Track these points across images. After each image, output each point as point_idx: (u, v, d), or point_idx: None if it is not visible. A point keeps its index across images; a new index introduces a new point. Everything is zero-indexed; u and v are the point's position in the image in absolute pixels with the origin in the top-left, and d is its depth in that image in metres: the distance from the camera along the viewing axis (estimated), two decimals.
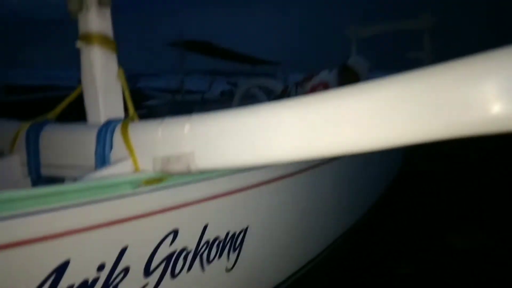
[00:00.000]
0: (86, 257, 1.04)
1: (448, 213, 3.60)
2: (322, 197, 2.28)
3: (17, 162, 1.39)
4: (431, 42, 4.94)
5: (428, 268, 2.67)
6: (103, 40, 1.36)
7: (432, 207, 3.77)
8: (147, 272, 1.20)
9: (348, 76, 3.44)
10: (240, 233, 1.55)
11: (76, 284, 1.00)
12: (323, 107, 0.95)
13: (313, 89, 3.27)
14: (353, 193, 2.78)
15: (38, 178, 1.37)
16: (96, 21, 1.34)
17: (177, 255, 1.29)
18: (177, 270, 1.30)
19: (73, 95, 1.47)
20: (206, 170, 1.10)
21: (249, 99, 6.07)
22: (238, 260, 1.55)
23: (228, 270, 1.53)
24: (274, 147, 0.99)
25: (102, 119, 1.34)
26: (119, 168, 1.14)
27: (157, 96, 10.23)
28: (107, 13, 1.37)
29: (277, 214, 1.84)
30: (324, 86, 3.27)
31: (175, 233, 1.27)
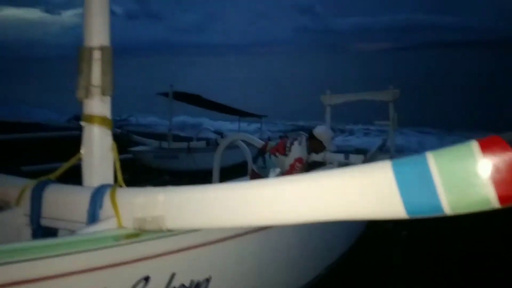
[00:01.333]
0: None
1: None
2: (279, 254, 2.58)
3: (21, 213, 1.70)
4: (395, 111, 5.49)
5: None
6: (102, 121, 1.73)
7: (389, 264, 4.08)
8: None
9: (315, 144, 3.98)
10: (203, 282, 1.84)
11: None
12: (261, 192, 1.32)
13: (292, 166, 3.83)
14: (311, 251, 3.07)
15: (38, 227, 1.67)
16: (98, 106, 1.73)
17: None
18: None
19: (73, 160, 1.81)
20: (173, 230, 1.44)
21: (232, 149, 6.48)
22: None
23: None
24: (224, 216, 1.35)
25: (95, 183, 1.68)
26: (106, 225, 1.46)
27: (144, 142, 10.55)
28: (108, 99, 1.76)
29: (238, 266, 2.14)
30: (299, 161, 3.85)
31: (146, 279, 1.57)
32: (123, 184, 1.62)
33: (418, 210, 1.03)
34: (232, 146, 6.42)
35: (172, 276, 1.67)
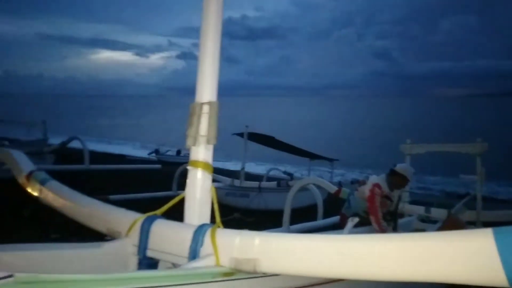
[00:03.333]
0: None
1: None
2: None
3: (130, 243, 1.94)
4: (482, 166, 5.18)
5: None
6: (205, 166, 1.95)
7: None
8: None
9: (397, 179, 4.18)
10: None
11: None
12: (356, 246, 1.40)
13: (371, 191, 4.02)
14: None
15: (143, 257, 1.89)
16: (203, 153, 1.96)
17: None
18: None
19: (176, 199, 2.04)
20: (266, 272, 1.56)
21: (304, 191, 6.54)
22: None
23: None
24: (316, 265, 1.44)
25: (195, 221, 1.87)
26: (205, 262, 1.63)
27: (217, 179, 11.01)
28: (211, 147, 1.98)
29: None
30: (377, 187, 4.05)
31: None
32: (221, 225, 1.79)
33: None
34: (303, 189, 6.49)
35: None
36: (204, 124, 1.95)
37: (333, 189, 6.23)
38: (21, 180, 2.65)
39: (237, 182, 10.83)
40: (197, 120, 1.94)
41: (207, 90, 1.98)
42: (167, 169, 11.20)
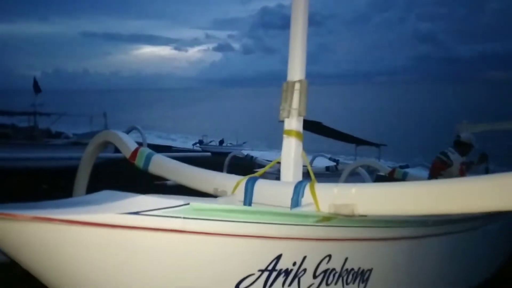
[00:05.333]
0: (289, 254, 1.86)
1: None
2: (434, 263, 2.85)
3: (236, 199, 2.35)
4: None
5: None
6: (297, 134, 2.32)
7: None
8: (314, 276, 1.98)
9: (465, 148, 4.93)
10: (367, 271, 2.25)
11: (285, 269, 1.82)
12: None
13: (461, 171, 4.75)
14: (464, 265, 3.25)
15: None
16: (295, 124, 2.32)
17: (330, 271, 2.04)
18: (329, 281, 2.04)
19: (273, 162, 2.42)
20: (362, 215, 1.90)
21: (354, 176, 6.77)
22: None
23: None
24: (405, 205, 1.77)
25: (292, 179, 2.24)
26: (307, 209, 1.99)
27: (266, 165, 11.44)
28: (301, 119, 2.34)
29: (397, 266, 2.48)
30: (464, 164, 4.88)
31: (329, 257, 2.05)
32: (315, 181, 2.14)
33: None
34: (353, 174, 6.69)
35: (346, 260, 2.12)
36: (295, 99, 2.31)
37: (387, 170, 6.41)
38: (129, 156, 3.12)
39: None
40: (290, 96, 2.30)
41: (297, 70, 2.33)
42: (212, 158, 11.72)
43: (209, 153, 13.18)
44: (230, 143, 28.95)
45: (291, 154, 2.32)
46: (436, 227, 2.82)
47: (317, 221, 1.95)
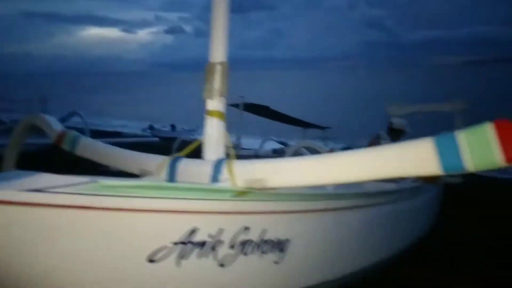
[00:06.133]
0: (204, 227, 1.96)
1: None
2: (353, 233, 3.08)
3: (160, 179, 2.40)
4: (463, 125, 5.69)
5: None
6: (219, 114, 2.40)
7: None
8: (232, 247, 2.10)
9: (397, 133, 5.17)
10: (285, 241, 2.41)
11: (201, 241, 1.92)
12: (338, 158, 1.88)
13: (373, 143, 4.95)
14: (382, 235, 3.52)
15: None
16: (217, 104, 2.40)
17: (247, 242, 2.17)
18: (247, 251, 2.18)
19: (196, 143, 2.49)
20: (272, 188, 2.03)
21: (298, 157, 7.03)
22: (283, 258, 2.39)
23: (276, 263, 2.37)
24: (307, 177, 1.92)
25: (214, 157, 2.33)
26: (226, 184, 2.09)
27: None
28: (223, 99, 2.42)
29: (315, 237, 2.67)
30: (377, 137, 5.22)
31: (247, 229, 2.17)
32: (235, 158, 2.25)
33: (450, 169, 1.53)
34: (296, 155, 6.96)
35: (264, 231, 2.26)
36: (217, 80, 2.38)
37: (326, 151, 6.73)
38: (55, 139, 3.07)
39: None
40: (211, 77, 2.37)
41: (219, 51, 2.40)
42: (164, 143, 11.54)
43: (156, 138, 12.96)
44: (182, 128, 28.56)
45: (214, 134, 2.40)
46: (354, 200, 3.05)
47: (233, 196, 2.06)
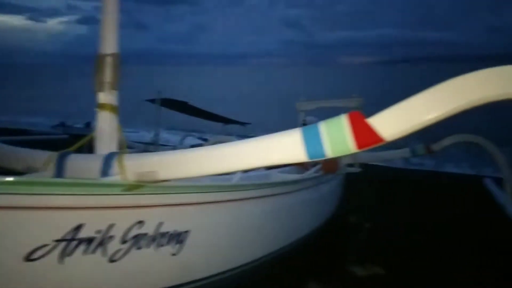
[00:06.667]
0: (91, 223, 1.91)
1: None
2: (252, 223, 3.19)
3: (48, 175, 2.28)
4: None
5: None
6: (111, 108, 2.34)
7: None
8: (123, 242, 2.08)
9: None
10: (184, 233, 2.44)
11: (87, 237, 1.87)
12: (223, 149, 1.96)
13: None
14: (280, 225, 3.68)
15: None
16: (108, 97, 2.34)
17: (141, 236, 2.16)
18: (140, 245, 2.17)
19: (88, 137, 2.40)
20: (162, 181, 2.05)
21: None
22: (182, 249, 2.42)
23: (173, 254, 2.39)
24: (194, 169, 1.97)
25: (106, 152, 2.27)
26: (115, 178, 2.06)
27: (133, 146, 11.06)
28: (115, 92, 2.37)
29: (214, 228, 2.73)
30: None
31: (141, 223, 2.17)
32: (127, 151, 2.22)
33: (314, 156, 1.69)
34: None
35: (161, 224, 2.27)
36: (108, 73, 2.32)
37: None
38: None
39: (152, 149, 10.99)
40: (102, 69, 2.31)
41: (110, 43, 2.34)
42: (75, 141, 10.82)
43: (66, 135, 12.12)
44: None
45: (106, 128, 2.34)
46: (255, 190, 3.18)
47: (124, 190, 2.04)
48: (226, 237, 2.87)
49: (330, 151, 1.64)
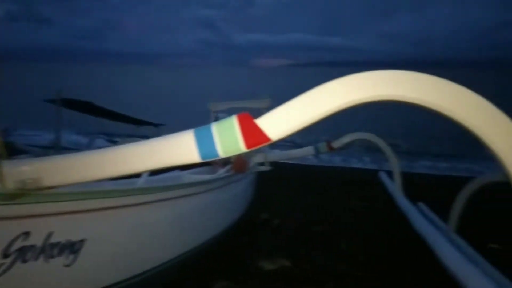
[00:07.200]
0: None
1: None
2: (153, 228, 3.10)
3: None
4: None
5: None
6: None
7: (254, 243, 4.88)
8: (5, 256, 1.90)
9: None
10: (78, 242, 2.30)
11: None
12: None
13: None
14: (184, 228, 3.63)
15: None
16: None
17: (27, 248, 1.99)
18: (27, 258, 2.00)
19: None
20: (47, 188, 1.91)
21: None
22: (76, 260, 2.28)
23: (67, 266, 2.25)
24: (79, 174, 1.88)
25: None
26: None
27: (29, 151, 10.09)
28: None
29: (112, 235, 2.61)
30: None
31: (27, 234, 2.00)
32: (6, 156, 2.02)
33: (207, 156, 1.72)
34: None
35: (50, 234, 2.11)
36: None
37: None
38: None
39: (52, 153, 10.15)
40: None
41: None
42: None
43: None
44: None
45: None
46: (159, 193, 3.12)
47: (3, 200, 1.86)
48: (129, 243, 2.77)
49: (222, 151, 1.69)
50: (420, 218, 3.09)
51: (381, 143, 5.39)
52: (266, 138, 1.66)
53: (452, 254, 2.19)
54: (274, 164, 6.44)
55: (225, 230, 4.53)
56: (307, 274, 4.01)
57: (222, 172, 4.99)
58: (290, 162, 10.08)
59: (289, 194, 7.35)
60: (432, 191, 6.74)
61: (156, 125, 14.72)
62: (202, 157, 1.71)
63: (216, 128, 1.71)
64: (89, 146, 12.18)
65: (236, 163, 5.10)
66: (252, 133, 1.65)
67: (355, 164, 13.25)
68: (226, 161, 5.23)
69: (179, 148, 1.76)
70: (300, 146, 8.83)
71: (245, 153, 5.70)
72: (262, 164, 6.21)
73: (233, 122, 1.68)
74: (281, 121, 1.63)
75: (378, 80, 1.56)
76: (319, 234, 5.25)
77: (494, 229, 5.01)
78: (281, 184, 7.86)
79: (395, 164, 5.03)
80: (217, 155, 1.69)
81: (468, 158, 13.00)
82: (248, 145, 1.66)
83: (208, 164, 5.62)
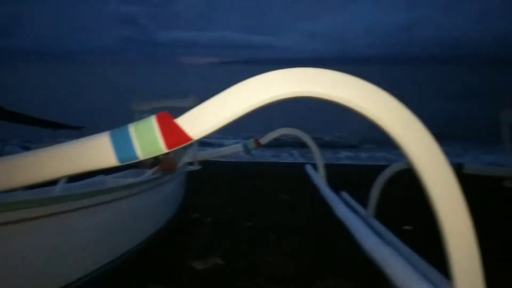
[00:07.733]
0: None
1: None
2: (76, 237, 2.93)
3: None
4: None
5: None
6: None
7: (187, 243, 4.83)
8: None
9: None
10: None
11: None
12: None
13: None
14: (111, 234, 3.48)
15: None
16: None
17: None
18: None
19: None
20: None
21: None
22: None
23: None
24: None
25: None
26: None
27: None
28: None
29: (29, 248, 2.42)
30: None
31: None
32: None
33: (125, 159, 1.66)
34: None
35: None
36: None
37: None
38: None
39: None
40: None
41: None
42: None
43: None
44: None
45: None
46: (79, 201, 2.94)
47: None
48: (51, 255, 2.59)
49: (141, 153, 1.63)
50: (342, 207, 3.28)
51: (304, 137, 5.61)
52: (187, 137, 1.64)
53: (370, 238, 2.36)
54: (204, 163, 6.39)
55: (155, 233, 4.41)
56: (239, 270, 4.06)
57: (149, 173, 4.85)
58: (222, 160, 10.09)
59: (220, 192, 7.37)
60: (354, 180, 7.19)
61: (75, 128, 13.84)
62: (120, 159, 1.64)
63: (133, 129, 1.66)
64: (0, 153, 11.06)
65: (164, 163, 4.98)
66: (172, 133, 1.62)
67: (285, 159, 13.71)
68: (153, 162, 5.08)
69: (95, 151, 1.67)
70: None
71: (174, 153, 5.62)
72: (191, 163, 6.13)
73: (152, 122, 1.64)
74: (202, 119, 1.62)
75: (296, 77, 1.61)
76: (250, 229, 5.34)
77: (407, 213, 5.51)
78: (212, 183, 7.85)
79: (318, 156, 5.28)
80: (136, 157, 1.64)
81: (385, 147, 14.09)
82: (168, 145, 1.63)
83: (134, 166, 5.44)
